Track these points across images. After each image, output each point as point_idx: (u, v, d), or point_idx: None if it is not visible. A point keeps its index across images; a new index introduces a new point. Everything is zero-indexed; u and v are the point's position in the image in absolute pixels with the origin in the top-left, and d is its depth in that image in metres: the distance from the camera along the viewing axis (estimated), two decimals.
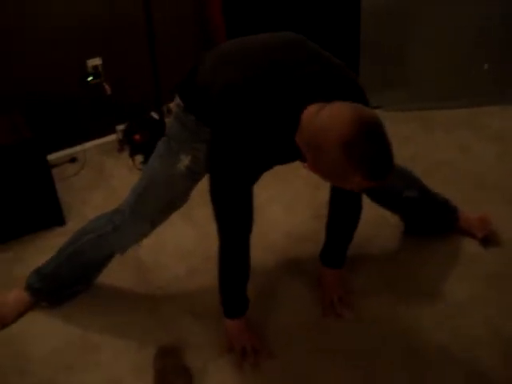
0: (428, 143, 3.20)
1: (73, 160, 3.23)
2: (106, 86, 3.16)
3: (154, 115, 3.24)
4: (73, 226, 2.72)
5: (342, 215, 2.12)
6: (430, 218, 2.48)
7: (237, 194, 1.77)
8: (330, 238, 2.20)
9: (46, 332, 2.22)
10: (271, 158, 1.76)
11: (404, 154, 2.96)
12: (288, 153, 1.68)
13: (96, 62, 3.11)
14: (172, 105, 3.17)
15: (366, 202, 2.15)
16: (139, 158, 3.20)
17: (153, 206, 2.06)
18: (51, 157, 3.05)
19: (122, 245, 2.20)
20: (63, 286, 2.29)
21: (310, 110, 1.56)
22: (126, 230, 2.11)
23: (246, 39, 1.84)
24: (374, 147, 1.47)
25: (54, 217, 2.75)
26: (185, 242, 2.59)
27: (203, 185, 1.91)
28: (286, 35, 1.81)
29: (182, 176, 1.97)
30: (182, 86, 1.93)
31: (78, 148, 3.25)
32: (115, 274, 2.36)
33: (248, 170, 1.72)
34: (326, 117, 1.50)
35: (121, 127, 3.30)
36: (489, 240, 2.46)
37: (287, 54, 1.69)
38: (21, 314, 2.28)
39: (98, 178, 3.12)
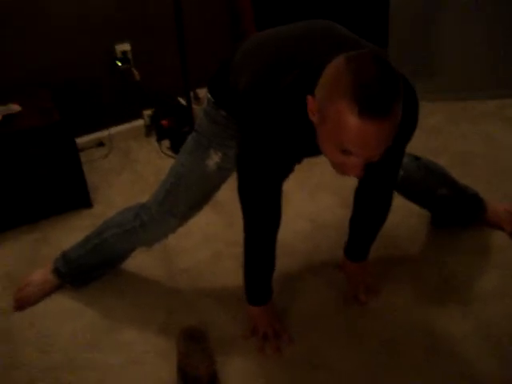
0: (454, 134, 3.17)
1: (100, 144, 3.26)
2: (135, 72, 3.17)
3: (182, 101, 3.25)
4: (99, 208, 2.78)
5: (369, 211, 2.07)
6: (459, 212, 2.47)
7: (265, 191, 1.76)
8: (354, 234, 2.16)
9: (70, 312, 2.25)
10: (298, 151, 1.75)
11: (430, 145, 2.97)
12: (314, 144, 1.62)
13: (125, 47, 3.12)
14: (201, 94, 3.21)
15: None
16: (166, 143, 3.23)
17: (181, 203, 2.05)
18: (79, 140, 3.06)
19: (149, 240, 2.21)
20: (88, 271, 2.33)
21: None
22: (153, 226, 2.11)
23: (273, 31, 1.79)
24: (375, 68, 1.36)
25: (81, 199, 2.78)
26: (210, 226, 2.61)
27: None
28: (314, 24, 1.76)
29: (211, 173, 1.96)
30: (212, 80, 1.92)
31: (105, 132, 3.27)
32: (140, 257, 2.38)
33: (276, 164, 1.70)
34: None
35: (148, 112, 3.32)
36: None
37: (314, 43, 1.63)
38: (46, 294, 2.31)
39: (125, 163, 3.14)
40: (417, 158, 2.28)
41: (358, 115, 1.34)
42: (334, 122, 1.40)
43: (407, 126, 1.68)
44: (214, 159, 1.94)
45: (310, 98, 1.48)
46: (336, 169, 1.57)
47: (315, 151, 1.66)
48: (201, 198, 2.07)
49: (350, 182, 1.99)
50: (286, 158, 1.72)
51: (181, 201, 2.05)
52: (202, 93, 3.21)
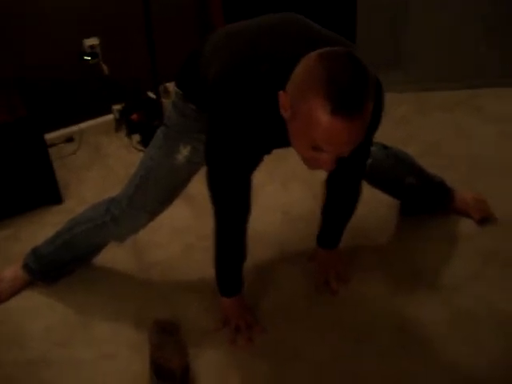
0: (423, 124, 3.21)
1: (70, 140, 3.24)
2: (103, 66, 3.16)
3: (151, 95, 3.24)
4: (70, 204, 2.77)
5: (339, 200, 2.09)
6: (427, 200, 2.50)
7: (234, 182, 1.76)
8: (325, 222, 2.18)
9: (41, 308, 2.25)
10: (267, 143, 1.75)
11: (399, 134, 2.99)
12: (283, 136, 1.62)
13: (93, 41, 3.10)
14: (170, 88, 3.20)
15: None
16: (136, 137, 3.23)
17: (151, 198, 2.05)
18: (48, 136, 3.05)
19: (120, 235, 2.21)
20: (59, 267, 2.32)
21: None
22: (124, 221, 2.11)
23: (243, 23, 1.78)
24: (348, 70, 1.36)
25: (51, 195, 2.77)
26: (180, 219, 2.61)
27: None
28: (285, 16, 1.75)
29: (181, 167, 1.96)
30: (180, 73, 1.91)
31: (74, 128, 3.26)
32: (111, 251, 2.37)
33: (245, 156, 1.70)
34: None
35: (117, 107, 3.31)
36: (485, 219, 2.46)
37: (286, 36, 1.63)
38: (17, 291, 2.30)
39: (95, 158, 3.13)
40: (385, 147, 2.31)
41: (330, 113, 1.36)
42: (306, 119, 1.41)
43: (374, 117, 1.69)
44: (183, 153, 1.94)
45: (281, 93, 1.49)
46: (306, 163, 1.59)
47: (284, 143, 1.66)
48: (170, 191, 2.07)
49: (322, 173, 2.00)
50: (255, 149, 1.72)
51: (150, 195, 2.05)
52: (172, 86, 3.19)
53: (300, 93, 1.42)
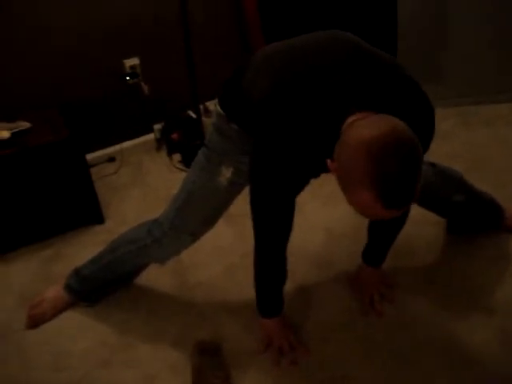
0: (469, 139, 3.13)
1: (111, 159, 3.25)
2: (144, 86, 3.17)
3: (191, 114, 3.24)
4: (112, 223, 2.77)
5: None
6: (476, 219, 2.42)
7: (279, 205, 1.72)
8: (372, 239, 2.15)
9: (83, 329, 2.24)
10: (314, 168, 1.68)
11: (444, 150, 2.92)
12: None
13: (134, 61, 3.12)
14: (211, 107, 3.20)
15: None
16: (177, 156, 3.22)
17: (193, 220, 2.03)
18: (90, 156, 3.07)
19: (163, 256, 2.19)
20: (101, 288, 2.32)
21: (350, 120, 1.46)
22: (166, 243, 2.09)
23: (287, 42, 1.74)
24: (399, 167, 1.33)
25: (93, 215, 2.77)
26: (223, 239, 2.58)
27: None
28: (331, 36, 1.71)
29: (223, 189, 1.93)
30: (223, 93, 1.88)
31: (116, 147, 3.27)
32: (153, 272, 2.36)
33: (292, 179, 1.65)
34: (363, 123, 1.40)
35: (158, 126, 3.31)
36: None
37: (332, 57, 1.60)
38: (59, 311, 2.30)
39: (137, 177, 3.14)
40: (432, 165, 2.24)
41: (381, 208, 1.36)
42: (357, 202, 1.41)
43: (424, 137, 1.64)
44: (225, 175, 1.91)
45: (329, 162, 1.45)
46: None
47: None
48: (213, 213, 2.05)
49: None
50: (303, 172, 1.67)
51: (192, 218, 2.03)
52: (212, 105, 3.20)
53: (348, 178, 1.40)
